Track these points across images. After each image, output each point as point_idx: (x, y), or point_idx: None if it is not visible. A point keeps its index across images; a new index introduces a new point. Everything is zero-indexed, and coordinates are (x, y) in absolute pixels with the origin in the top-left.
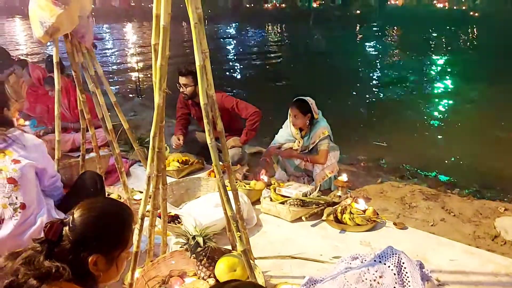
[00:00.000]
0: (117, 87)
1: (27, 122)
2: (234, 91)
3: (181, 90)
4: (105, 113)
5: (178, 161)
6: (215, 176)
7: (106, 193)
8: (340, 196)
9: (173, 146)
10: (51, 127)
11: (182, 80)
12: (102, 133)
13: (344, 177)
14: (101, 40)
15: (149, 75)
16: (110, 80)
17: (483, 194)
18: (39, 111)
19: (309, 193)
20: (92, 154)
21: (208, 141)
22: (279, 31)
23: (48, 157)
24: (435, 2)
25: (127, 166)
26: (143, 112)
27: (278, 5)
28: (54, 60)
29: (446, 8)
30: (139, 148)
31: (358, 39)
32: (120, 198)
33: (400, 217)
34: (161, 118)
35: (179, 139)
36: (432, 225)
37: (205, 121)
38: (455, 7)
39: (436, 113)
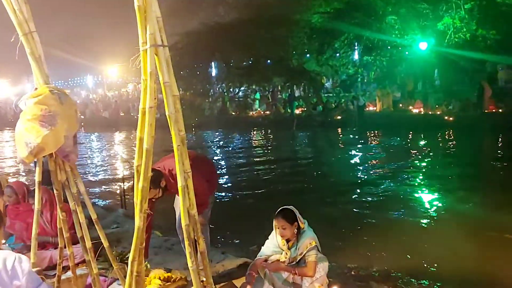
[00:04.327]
0: (101, 200)
1: (2, 241)
2: (221, 194)
3: None
4: (85, 232)
5: (160, 278)
6: None
7: None
8: None
9: None
10: (29, 244)
11: None
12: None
13: None
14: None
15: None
16: (95, 190)
17: None
18: (19, 228)
19: None
20: (69, 274)
21: (190, 264)
22: (263, 136)
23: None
24: (410, 107)
25: (105, 286)
26: (126, 223)
27: (262, 112)
28: (36, 180)
29: (422, 113)
30: (119, 267)
31: (339, 142)
32: None
33: None
34: (141, 241)
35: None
36: None
37: (186, 243)
38: (430, 112)
39: (423, 215)
